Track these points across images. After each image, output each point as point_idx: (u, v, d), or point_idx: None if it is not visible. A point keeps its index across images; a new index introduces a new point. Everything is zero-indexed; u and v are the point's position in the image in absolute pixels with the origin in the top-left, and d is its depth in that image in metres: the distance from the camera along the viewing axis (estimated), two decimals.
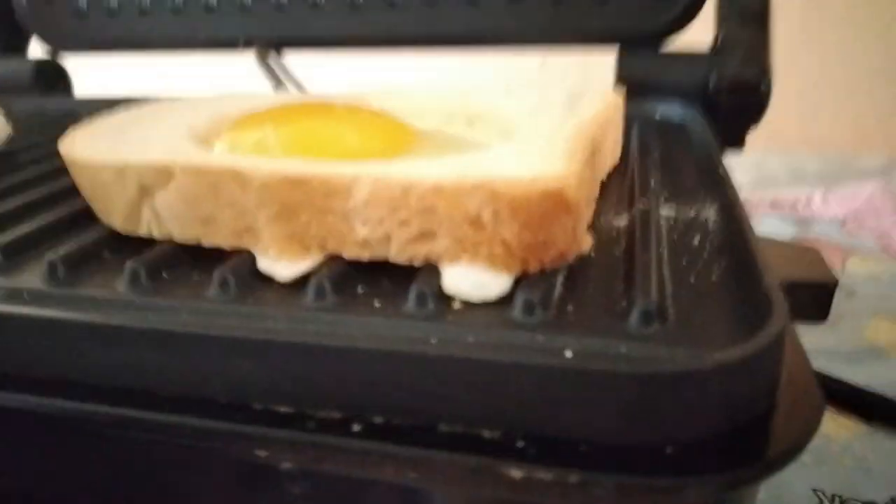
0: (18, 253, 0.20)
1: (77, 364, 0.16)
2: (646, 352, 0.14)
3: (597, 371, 0.12)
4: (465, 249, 0.17)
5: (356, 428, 0.13)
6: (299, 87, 0.48)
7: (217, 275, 0.17)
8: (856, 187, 0.60)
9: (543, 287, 0.16)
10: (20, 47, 0.52)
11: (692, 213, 0.21)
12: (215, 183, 0.18)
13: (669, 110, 0.35)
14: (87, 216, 0.22)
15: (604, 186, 0.24)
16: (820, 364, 0.33)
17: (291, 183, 0.17)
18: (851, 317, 0.39)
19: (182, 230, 0.19)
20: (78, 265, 0.19)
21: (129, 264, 0.18)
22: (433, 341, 0.15)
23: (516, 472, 0.12)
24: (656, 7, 0.39)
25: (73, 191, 0.23)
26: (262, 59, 0.47)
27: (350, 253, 0.18)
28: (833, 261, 0.47)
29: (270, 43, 0.47)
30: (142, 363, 0.15)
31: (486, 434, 0.13)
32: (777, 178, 0.68)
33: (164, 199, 0.19)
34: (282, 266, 0.18)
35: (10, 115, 0.40)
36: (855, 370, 0.34)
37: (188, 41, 0.49)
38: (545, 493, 0.12)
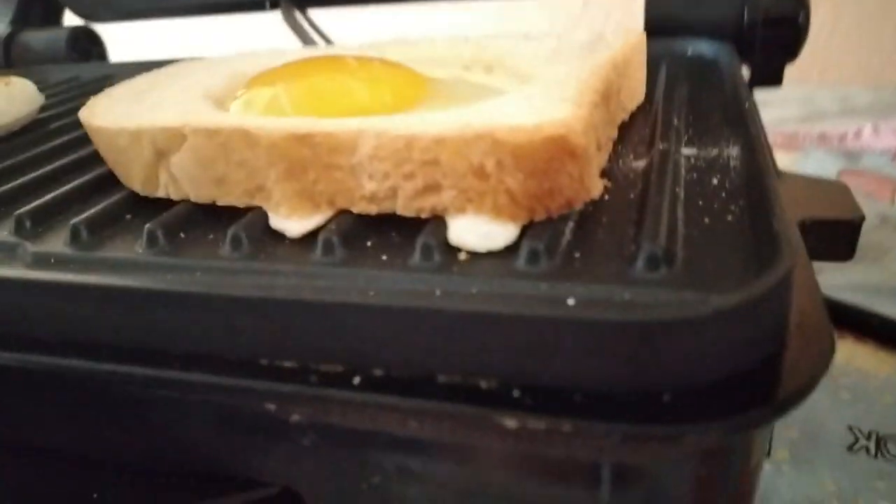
0: (45, 219, 0.21)
1: (98, 325, 0.16)
2: (649, 297, 0.14)
3: (589, 320, 0.12)
4: (471, 200, 0.16)
5: (356, 381, 0.13)
6: (327, 41, 0.48)
7: (230, 233, 0.18)
8: None
9: (550, 235, 0.16)
10: (55, 20, 0.53)
11: (714, 153, 0.21)
12: (225, 143, 0.18)
13: (700, 47, 0.34)
14: (110, 181, 0.23)
15: (625, 127, 0.24)
16: (862, 299, 0.32)
17: (297, 140, 0.17)
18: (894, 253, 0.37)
19: (197, 191, 0.20)
20: (100, 229, 0.20)
21: (147, 227, 0.18)
22: (437, 293, 0.15)
23: (510, 422, 0.12)
24: None
25: (97, 157, 0.23)
26: (289, 16, 0.47)
27: (358, 208, 0.18)
28: (882, 193, 0.45)
29: (295, 1, 0.46)
30: (156, 323, 0.15)
31: (483, 384, 0.13)
32: (827, 112, 0.66)
33: (179, 162, 0.19)
34: (292, 223, 0.18)
35: (44, 85, 0.41)
36: None
37: (216, 5, 0.49)
38: (541, 442, 0.12)
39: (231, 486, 0.17)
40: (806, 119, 0.64)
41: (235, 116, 0.20)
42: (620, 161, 0.21)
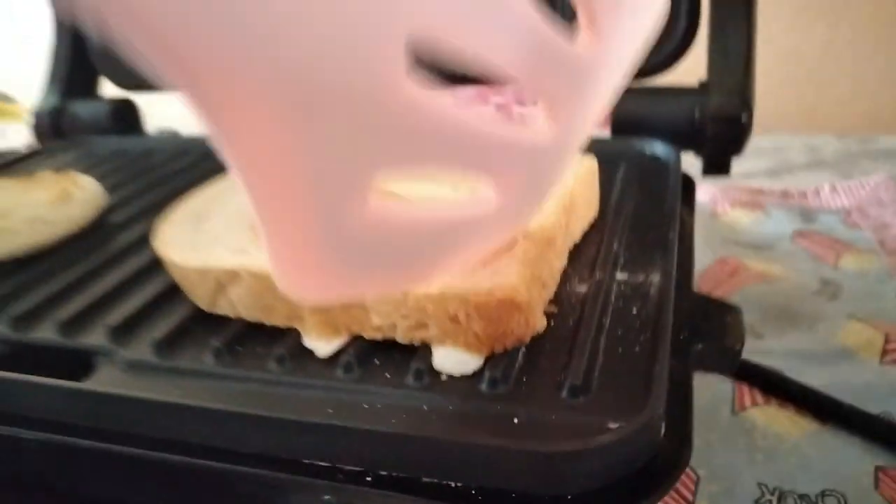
0: (131, 328, 0.27)
1: (179, 429, 0.23)
2: (570, 420, 0.20)
3: (519, 450, 0.18)
4: (449, 336, 0.23)
5: (369, 478, 0.20)
6: None
7: (275, 352, 0.24)
8: (867, 177, 0.64)
9: (505, 364, 0.22)
10: (92, 91, 0.59)
11: (640, 279, 0.27)
12: (271, 284, 0.25)
13: (654, 148, 0.40)
14: (177, 289, 0.29)
15: (577, 248, 0.30)
16: (793, 365, 0.38)
17: None
18: (830, 319, 0.43)
19: (249, 313, 0.26)
20: (177, 339, 0.26)
21: (213, 343, 0.25)
22: (424, 408, 0.21)
23: None
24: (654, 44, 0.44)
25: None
26: None
27: (369, 335, 0.24)
28: (828, 256, 0.51)
29: None
30: (225, 431, 0.22)
31: (453, 484, 0.19)
32: (795, 164, 0.72)
33: (236, 292, 0.26)
34: (321, 343, 0.25)
35: (93, 158, 0.48)
36: (824, 372, 0.39)
37: None
38: None
39: None
40: (774, 172, 0.70)
41: None
42: (568, 285, 0.27)
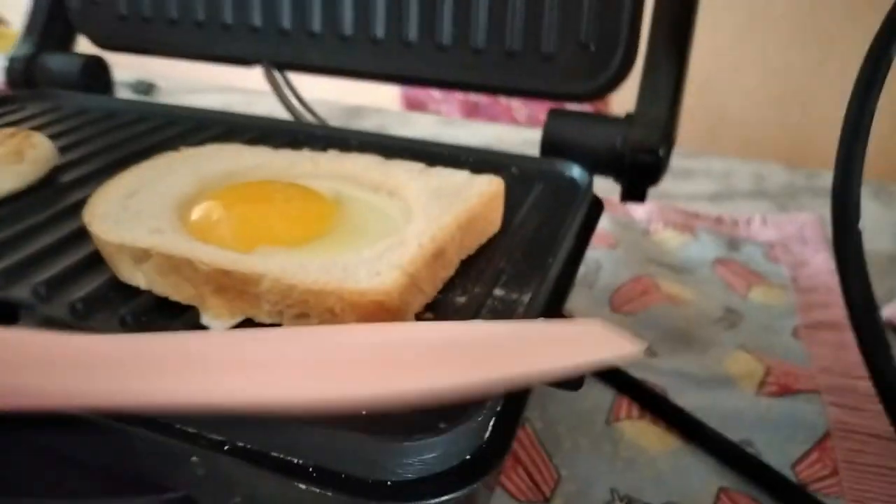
0: (52, 287, 0.30)
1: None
2: (411, 415, 0.23)
3: (346, 436, 0.21)
4: (327, 325, 0.26)
5: (227, 447, 0.23)
6: (300, 100, 0.57)
7: (174, 326, 0.27)
8: (800, 213, 0.67)
9: None
10: (68, 45, 0.61)
11: (514, 297, 0.30)
12: (178, 265, 0.28)
13: (571, 171, 0.42)
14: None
15: (470, 259, 0.33)
16: (676, 385, 0.42)
17: (223, 273, 0.27)
18: (721, 346, 0.47)
19: (159, 288, 0.29)
20: (93, 303, 0.29)
21: (121, 312, 0.28)
22: None
23: (302, 485, 0.21)
24: (588, 73, 0.47)
25: None
26: (268, 75, 0.56)
27: (259, 319, 0.27)
28: (739, 287, 0.55)
29: (274, 64, 0.55)
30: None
31: (295, 461, 0.22)
32: (739, 191, 0.75)
33: (147, 268, 0.29)
34: (216, 322, 0.28)
35: (58, 114, 0.50)
36: (702, 395, 0.42)
37: (207, 53, 0.58)
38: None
39: (153, 489, 0.26)
40: (716, 197, 0.73)
41: (187, 245, 0.29)
42: (450, 294, 0.30)
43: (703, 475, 0.36)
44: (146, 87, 1.00)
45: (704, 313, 0.51)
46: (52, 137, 0.44)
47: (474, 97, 1.63)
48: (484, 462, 0.23)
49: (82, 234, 0.34)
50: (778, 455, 0.38)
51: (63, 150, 0.44)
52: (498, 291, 0.30)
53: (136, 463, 0.26)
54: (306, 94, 0.59)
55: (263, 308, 0.27)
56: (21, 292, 0.30)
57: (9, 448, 0.28)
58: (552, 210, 0.38)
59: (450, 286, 0.31)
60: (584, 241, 0.38)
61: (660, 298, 0.51)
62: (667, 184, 0.75)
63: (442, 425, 0.23)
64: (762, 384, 0.43)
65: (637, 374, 0.43)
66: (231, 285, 0.27)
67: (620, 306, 0.51)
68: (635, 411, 0.40)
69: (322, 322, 0.26)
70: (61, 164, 0.43)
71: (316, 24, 0.53)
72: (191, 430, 0.24)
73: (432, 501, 0.22)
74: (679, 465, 0.37)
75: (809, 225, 0.64)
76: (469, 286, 0.31)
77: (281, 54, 0.54)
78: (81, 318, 0.28)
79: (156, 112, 0.53)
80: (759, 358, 0.45)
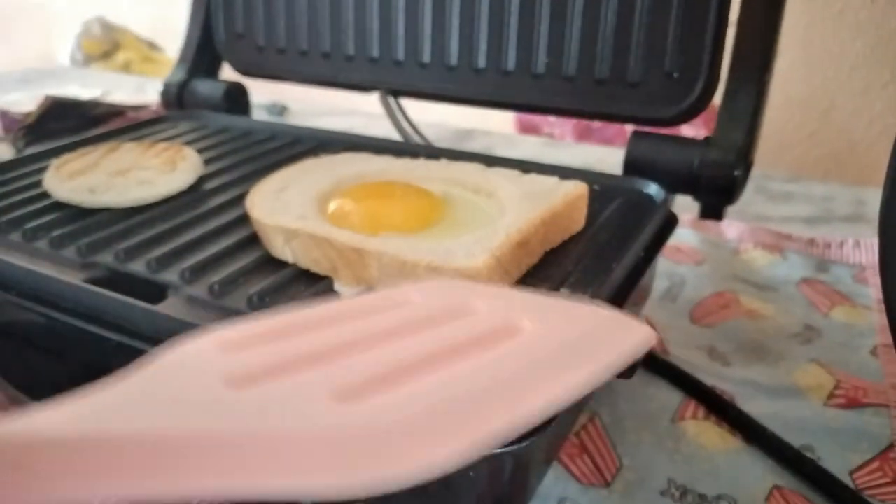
0: (196, 272, 0.37)
1: None
2: None
3: None
4: None
5: None
6: (412, 126, 0.63)
7: (306, 294, 0.33)
8: None
9: None
10: (214, 72, 0.71)
11: (577, 294, 0.34)
12: (319, 243, 0.34)
13: (648, 188, 0.46)
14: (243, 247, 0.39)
15: (552, 252, 0.38)
16: (745, 393, 0.44)
17: (354, 251, 0.33)
18: (794, 359, 0.48)
19: (303, 262, 0.36)
20: (226, 286, 0.36)
21: (250, 291, 0.34)
22: None
23: None
24: (672, 100, 0.50)
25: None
26: (384, 100, 0.63)
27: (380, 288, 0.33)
28: (821, 305, 0.56)
29: (389, 90, 0.62)
30: None
31: None
32: (836, 215, 0.75)
33: (295, 245, 0.36)
34: (346, 290, 0.34)
35: (205, 131, 0.58)
36: (770, 403, 0.44)
37: (332, 80, 0.65)
38: None
39: None
40: (813, 220, 0.74)
41: (326, 228, 0.36)
42: (526, 282, 0.35)
43: (759, 473, 0.39)
44: (280, 109, 1.11)
45: (782, 328, 0.52)
46: (199, 151, 0.52)
47: (595, 123, 1.67)
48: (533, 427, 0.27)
49: (221, 232, 0.41)
50: (837, 461, 0.40)
51: (207, 162, 0.52)
52: (563, 290, 0.35)
53: None
54: (428, 117, 0.66)
55: (383, 280, 0.33)
56: (170, 276, 0.37)
57: None
58: (626, 222, 0.42)
59: (530, 275, 0.35)
60: (654, 251, 0.41)
61: (739, 312, 0.54)
62: (763, 206, 0.76)
63: None
64: (830, 396, 0.45)
65: (707, 380, 0.45)
66: (359, 261, 0.33)
67: (700, 319, 0.54)
68: (701, 413, 0.43)
69: None
70: (206, 173, 0.50)
71: (426, 56, 0.59)
72: None
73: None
74: (736, 463, 0.39)
75: None
76: (542, 280, 0.35)
77: (395, 82, 0.61)
78: (217, 298, 0.35)
79: (286, 132, 0.60)
80: (831, 371, 0.47)
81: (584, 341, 0.19)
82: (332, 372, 0.17)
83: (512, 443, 0.27)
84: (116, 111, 0.92)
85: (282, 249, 0.37)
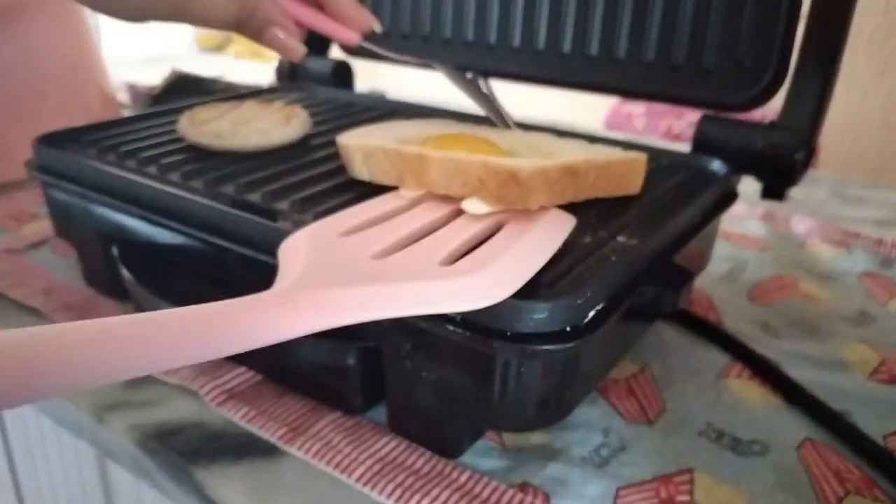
0: (303, 204, 0.43)
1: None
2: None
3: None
4: (476, 192, 0.37)
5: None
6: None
7: None
8: None
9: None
10: (324, 51, 0.78)
11: (632, 243, 0.39)
12: (390, 155, 0.40)
13: (712, 164, 0.50)
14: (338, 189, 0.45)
15: (604, 201, 0.42)
16: (791, 362, 0.47)
17: (418, 157, 0.39)
18: (843, 338, 0.51)
19: (377, 178, 0.42)
20: (326, 215, 0.42)
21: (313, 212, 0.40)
22: None
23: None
24: (743, 86, 0.54)
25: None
26: (473, 83, 0.68)
27: (437, 192, 0.39)
28: (880, 296, 0.58)
29: (480, 71, 0.67)
30: None
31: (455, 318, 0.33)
32: None
33: (371, 163, 0.42)
34: (409, 193, 0.40)
35: (312, 102, 0.65)
36: (814, 373, 0.47)
37: (430, 61, 0.71)
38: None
39: (353, 337, 0.38)
40: (884, 223, 0.75)
41: (397, 145, 0.42)
42: (580, 234, 0.39)
43: (794, 425, 0.42)
44: (378, 97, 1.18)
45: (837, 310, 0.55)
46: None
47: (676, 128, 1.68)
48: (578, 335, 0.32)
49: (323, 176, 0.47)
50: (873, 426, 0.42)
51: (315, 123, 0.59)
52: (620, 238, 0.39)
53: None
54: (518, 114, 0.71)
55: (440, 183, 0.38)
56: (282, 205, 0.43)
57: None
58: (687, 191, 0.46)
59: (583, 228, 0.40)
60: (710, 218, 0.45)
61: (796, 294, 0.56)
62: (837, 208, 0.78)
63: (543, 296, 0.32)
64: (875, 371, 0.47)
65: (756, 349, 0.49)
66: (420, 166, 0.39)
67: (757, 297, 0.57)
68: (746, 374, 0.47)
69: (472, 191, 0.37)
70: (312, 133, 0.57)
71: (516, 41, 0.64)
72: None
73: (536, 348, 0.31)
74: (774, 417, 0.43)
75: None
76: (598, 231, 0.40)
77: (487, 65, 0.66)
78: (299, 211, 0.41)
79: (385, 104, 0.67)
80: (877, 350, 0.49)
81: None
82: (431, 245, 0.34)
83: (563, 341, 0.32)
84: (233, 89, 1.01)
85: (360, 169, 0.43)
